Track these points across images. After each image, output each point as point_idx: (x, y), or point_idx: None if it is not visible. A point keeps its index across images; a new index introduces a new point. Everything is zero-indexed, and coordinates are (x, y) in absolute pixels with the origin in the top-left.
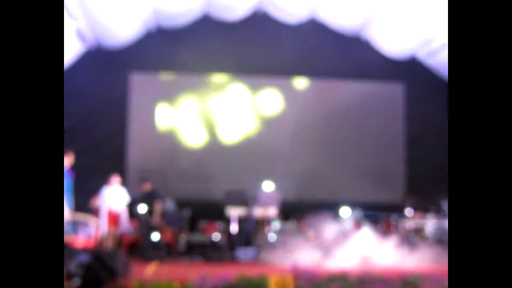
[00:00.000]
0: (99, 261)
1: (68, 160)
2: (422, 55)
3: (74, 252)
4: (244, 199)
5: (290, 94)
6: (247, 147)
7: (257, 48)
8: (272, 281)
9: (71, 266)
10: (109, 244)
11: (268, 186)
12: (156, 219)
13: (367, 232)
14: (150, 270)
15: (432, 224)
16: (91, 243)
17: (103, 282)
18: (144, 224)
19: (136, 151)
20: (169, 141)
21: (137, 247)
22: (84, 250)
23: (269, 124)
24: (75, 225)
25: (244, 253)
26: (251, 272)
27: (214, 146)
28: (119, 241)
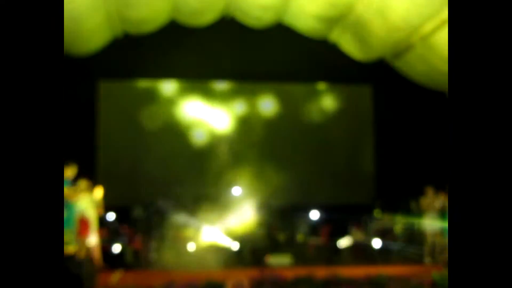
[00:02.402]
0: (65, 270)
1: (70, 172)
2: (389, 57)
3: None
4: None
5: (258, 98)
6: (217, 152)
7: (224, 54)
8: (229, 284)
9: None
10: (81, 255)
11: (237, 191)
12: None
13: None
14: (115, 278)
15: (401, 224)
16: None
17: None
18: (112, 232)
19: (106, 159)
20: (139, 147)
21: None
22: None
23: (239, 128)
24: None
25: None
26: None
27: (184, 151)
28: (90, 253)
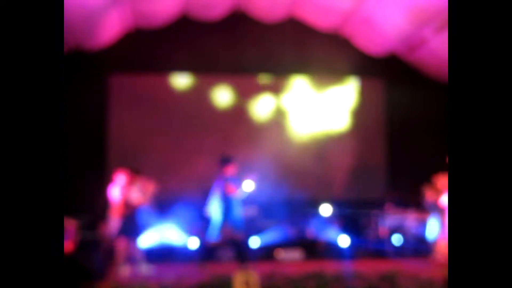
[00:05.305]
0: (74, 263)
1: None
2: (401, 52)
3: None
4: None
5: (271, 92)
6: (227, 146)
7: (236, 48)
8: (237, 278)
9: None
10: None
11: (248, 186)
12: None
13: None
14: (125, 271)
15: (412, 219)
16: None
17: (77, 284)
18: None
19: (117, 153)
20: (150, 141)
21: None
22: None
23: (250, 122)
24: None
25: (225, 253)
26: (228, 271)
27: (193, 146)
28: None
